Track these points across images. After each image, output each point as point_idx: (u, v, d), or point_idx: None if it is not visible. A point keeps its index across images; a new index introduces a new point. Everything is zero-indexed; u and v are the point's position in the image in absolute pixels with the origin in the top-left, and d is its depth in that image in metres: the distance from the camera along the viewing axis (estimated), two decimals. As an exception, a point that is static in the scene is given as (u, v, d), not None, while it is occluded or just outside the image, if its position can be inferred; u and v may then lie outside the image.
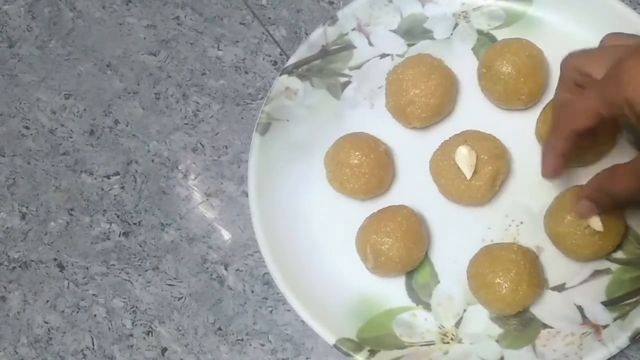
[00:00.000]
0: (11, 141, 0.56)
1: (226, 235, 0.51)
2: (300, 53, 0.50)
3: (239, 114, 0.54)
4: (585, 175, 0.45)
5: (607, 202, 0.40)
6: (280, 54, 0.54)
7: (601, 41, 0.39)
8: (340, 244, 0.47)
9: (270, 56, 0.54)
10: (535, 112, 0.47)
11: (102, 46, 0.57)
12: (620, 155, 0.46)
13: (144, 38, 0.57)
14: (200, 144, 0.53)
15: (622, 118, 0.34)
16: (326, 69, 0.50)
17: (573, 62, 0.38)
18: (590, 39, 0.47)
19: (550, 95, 0.47)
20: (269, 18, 0.55)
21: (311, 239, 0.47)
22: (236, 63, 0.55)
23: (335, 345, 0.43)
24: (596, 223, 0.41)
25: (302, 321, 0.45)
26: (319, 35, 0.50)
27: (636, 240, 0.44)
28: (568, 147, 0.39)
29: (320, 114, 0.50)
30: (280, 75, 0.50)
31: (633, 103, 0.32)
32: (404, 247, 0.44)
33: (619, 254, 0.44)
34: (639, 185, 0.36)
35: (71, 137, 0.55)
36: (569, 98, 0.38)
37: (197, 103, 0.54)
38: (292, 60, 0.50)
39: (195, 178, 0.53)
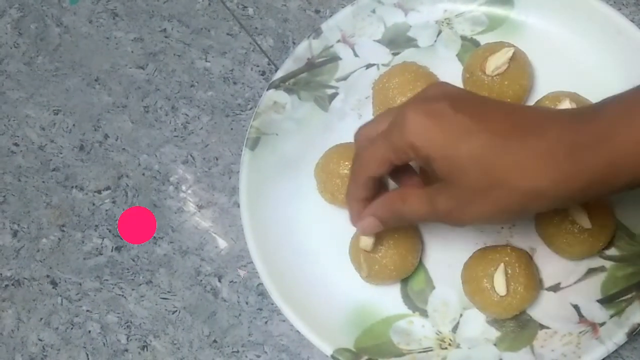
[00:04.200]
0: (1, 158, 0.52)
1: (219, 246, 0.48)
2: (287, 67, 0.48)
3: (229, 125, 0.50)
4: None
5: (393, 222, 0.38)
6: (269, 64, 0.51)
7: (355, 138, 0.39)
8: (333, 254, 0.44)
9: (258, 66, 0.51)
10: (522, 115, 0.44)
11: (90, 61, 0.54)
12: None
13: (132, 51, 0.53)
14: (191, 156, 0.50)
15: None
16: (313, 81, 0.48)
17: (362, 132, 0.38)
18: (572, 40, 0.46)
19: (535, 97, 0.45)
20: (256, 28, 0.52)
21: (304, 250, 0.44)
22: (224, 74, 0.52)
23: (332, 356, 0.41)
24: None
25: (298, 331, 0.42)
26: (304, 49, 0.48)
27: (628, 236, 0.41)
28: (368, 193, 0.38)
29: (309, 127, 0.47)
30: (268, 89, 0.47)
31: (417, 147, 0.33)
32: (397, 255, 0.41)
33: (612, 251, 0.41)
34: (428, 210, 0.35)
35: (61, 153, 0.52)
36: (362, 146, 0.38)
37: (187, 115, 0.51)
38: (279, 74, 0.47)
39: (187, 190, 0.49)
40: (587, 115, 0.32)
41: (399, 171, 0.37)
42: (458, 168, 0.32)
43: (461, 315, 0.42)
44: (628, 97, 0.31)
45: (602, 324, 0.39)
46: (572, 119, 0.32)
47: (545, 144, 0.31)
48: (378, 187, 0.38)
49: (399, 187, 0.39)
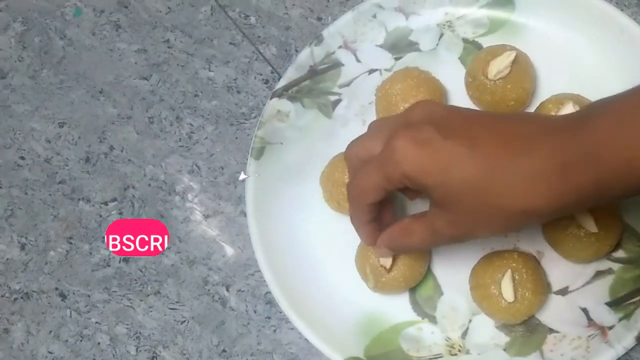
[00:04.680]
0: (7, 172, 0.52)
1: (226, 255, 0.48)
2: (289, 75, 0.47)
3: (233, 134, 0.50)
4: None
5: (405, 252, 0.40)
6: (272, 72, 0.51)
7: (368, 127, 0.39)
8: (341, 263, 0.44)
9: (261, 75, 0.51)
10: (526, 118, 0.44)
11: (94, 73, 0.53)
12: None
13: (135, 63, 0.53)
14: (196, 165, 0.50)
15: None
16: (316, 88, 0.48)
17: (353, 150, 0.38)
18: (574, 41, 0.45)
19: (538, 99, 0.44)
20: (259, 37, 0.52)
21: (311, 258, 0.44)
22: (228, 83, 0.51)
23: (343, 365, 0.40)
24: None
25: (307, 339, 0.41)
26: (306, 56, 0.47)
27: (636, 238, 0.41)
28: (371, 215, 0.38)
29: (313, 134, 0.47)
30: (271, 98, 0.47)
31: (412, 177, 0.33)
32: (406, 265, 0.41)
33: (620, 253, 0.41)
34: (433, 239, 0.36)
35: (67, 165, 0.52)
36: (354, 168, 0.38)
37: (191, 125, 0.51)
38: (282, 82, 0.47)
39: (193, 200, 0.49)
40: (577, 127, 0.31)
41: None
42: (453, 194, 0.32)
43: (470, 320, 0.41)
44: (618, 107, 0.30)
45: (611, 328, 0.39)
46: (564, 132, 0.31)
47: (535, 165, 0.31)
48: (382, 204, 0.38)
49: (401, 220, 0.38)
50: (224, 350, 0.45)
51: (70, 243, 0.49)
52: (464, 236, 0.35)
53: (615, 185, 0.30)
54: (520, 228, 0.33)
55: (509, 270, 0.39)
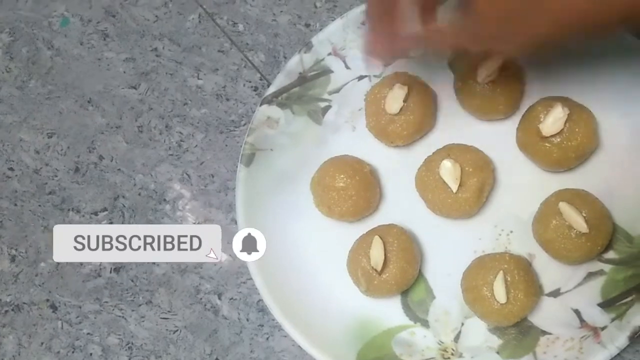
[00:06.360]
0: (-4, 184, 0.52)
1: (218, 264, 0.48)
2: (279, 82, 0.48)
3: (223, 141, 0.51)
4: (569, 181, 0.43)
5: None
6: (261, 79, 0.51)
7: None
8: (332, 267, 0.44)
9: (250, 82, 0.52)
10: (515, 121, 0.44)
11: (82, 82, 0.54)
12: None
13: (124, 72, 0.53)
14: (186, 174, 0.50)
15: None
16: (305, 95, 0.48)
17: None
18: (563, 43, 0.46)
19: (528, 102, 0.44)
20: (247, 44, 0.52)
21: (303, 265, 0.44)
22: (217, 91, 0.52)
23: (335, 370, 0.41)
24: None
25: (300, 346, 0.42)
26: (296, 63, 0.48)
27: (626, 239, 0.42)
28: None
29: (303, 141, 0.48)
30: (261, 105, 0.47)
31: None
32: (397, 268, 0.41)
33: (611, 254, 0.41)
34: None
35: (56, 176, 0.52)
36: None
37: (181, 133, 0.51)
38: (271, 89, 0.47)
39: (184, 208, 0.50)
40: None
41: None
42: None
43: (462, 324, 0.42)
44: None
45: (604, 328, 0.39)
46: None
47: None
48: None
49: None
50: (217, 359, 0.45)
51: (61, 254, 0.50)
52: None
53: None
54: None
55: (501, 272, 0.40)
